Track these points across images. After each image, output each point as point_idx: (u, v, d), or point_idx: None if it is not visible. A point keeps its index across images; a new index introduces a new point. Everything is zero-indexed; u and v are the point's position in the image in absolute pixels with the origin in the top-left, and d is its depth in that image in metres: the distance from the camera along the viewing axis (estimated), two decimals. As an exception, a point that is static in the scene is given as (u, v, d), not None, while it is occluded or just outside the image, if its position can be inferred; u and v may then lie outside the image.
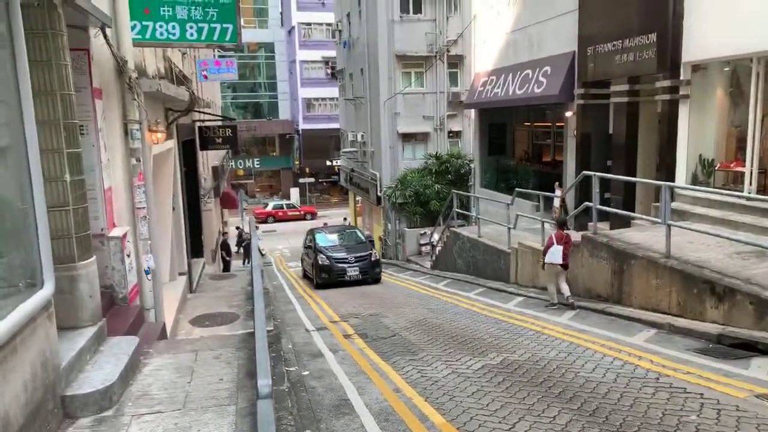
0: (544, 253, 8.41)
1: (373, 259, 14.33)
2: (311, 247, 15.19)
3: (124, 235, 5.78)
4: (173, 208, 9.84)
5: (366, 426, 4.45)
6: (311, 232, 16.53)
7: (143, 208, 6.56)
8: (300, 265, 17.60)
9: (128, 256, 5.83)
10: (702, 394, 4.53)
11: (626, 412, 4.31)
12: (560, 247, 8.13)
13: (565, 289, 8.17)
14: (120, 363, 4.20)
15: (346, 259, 14.11)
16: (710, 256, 6.96)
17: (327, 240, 15.64)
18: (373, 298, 11.17)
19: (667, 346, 5.87)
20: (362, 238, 16.16)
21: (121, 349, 4.44)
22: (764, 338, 5.44)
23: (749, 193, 8.39)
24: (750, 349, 5.46)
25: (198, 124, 14.03)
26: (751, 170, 8.56)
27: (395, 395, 5.08)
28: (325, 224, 30.08)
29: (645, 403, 4.44)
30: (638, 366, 5.31)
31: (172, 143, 9.49)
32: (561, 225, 8.57)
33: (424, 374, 5.62)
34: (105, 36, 5.63)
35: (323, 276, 13.94)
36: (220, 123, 15.70)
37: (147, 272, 6.41)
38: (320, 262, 14.07)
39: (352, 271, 13.84)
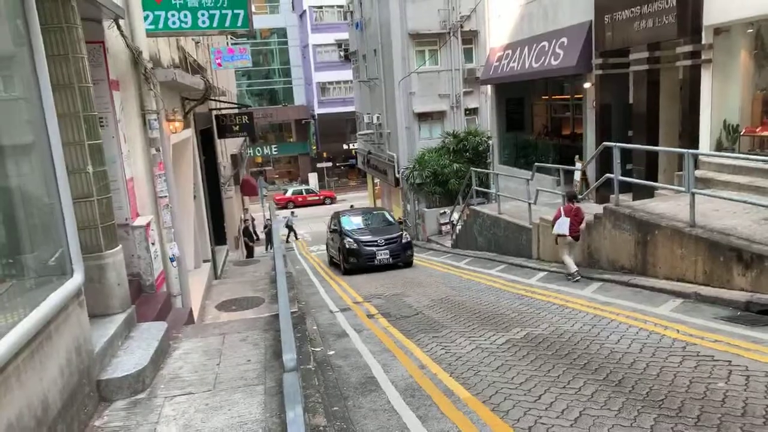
0: (552, 224, 8.64)
1: (403, 241, 13.36)
2: (337, 231, 14.27)
3: (148, 224, 5.89)
4: (194, 197, 9.98)
5: (392, 402, 4.51)
6: (336, 216, 15.59)
7: (165, 197, 6.66)
8: (326, 251, 16.68)
9: (153, 244, 5.95)
10: (730, 361, 4.48)
11: (652, 381, 4.29)
12: (567, 219, 8.36)
13: (570, 260, 8.49)
14: (150, 347, 4.32)
15: (375, 241, 13.17)
16: (737, 223, 6.82)
17: (353, 223, 14.74)
18: (396, 279, 11.23)
19: (693, 315, 5.81)
20: (391, 219, 15.20)
21: (151, 334, 4.55)
22: (794, 304, 5.35)
23: (776, 157, 8.17)
24: (779, 315, 5.37)
25: (214, 112, 14.14)
26: (779, 134, 8.33)
27: (420, 371, 5.13)
28: (352, 206, 30.34)
29: (671, 372, 4.42)
30: (664, 336, 5.27)
31: (189, 132, 9.59)
32: (570, 198, 8.77)
33: (448, 350, 5.66)
34: (119, 27, 5.69)
35: (351, 261, 13.06)
36: (236, 110, 15.81)
37: (172, 260, 6.53)
38: (347, 246, 13.16)
39: (382, 255, 12.90)
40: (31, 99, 3.57)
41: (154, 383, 4.13)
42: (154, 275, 5.88)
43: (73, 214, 3.79)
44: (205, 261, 10.17)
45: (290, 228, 27.39)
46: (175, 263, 6.56)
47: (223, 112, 14.71)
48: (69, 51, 4.18)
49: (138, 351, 4.26)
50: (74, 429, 3.37)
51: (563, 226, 8.37)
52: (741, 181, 8.23)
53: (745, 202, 7.01)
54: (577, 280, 8.27)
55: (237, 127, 14.77)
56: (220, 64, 16.00)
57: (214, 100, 13.34)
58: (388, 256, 12.92)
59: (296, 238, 27.37)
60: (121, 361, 4.13)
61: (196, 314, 7.04)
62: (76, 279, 3.68)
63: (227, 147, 17.82)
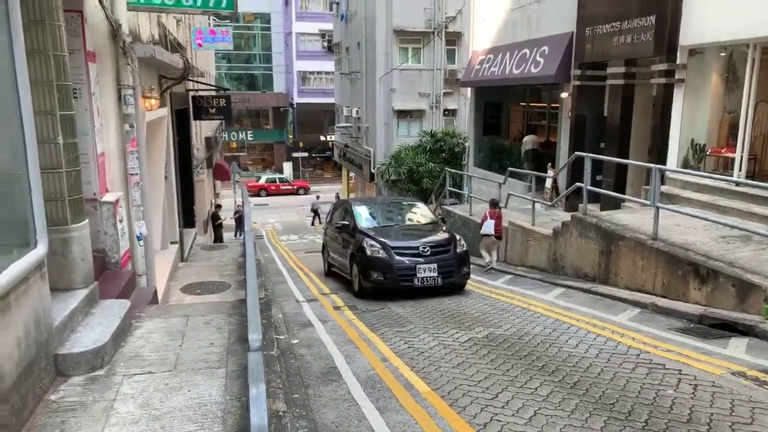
0: (480, 226, 10.07)
1: (458, 250, 8.46)
2: (346, 229, 9.35)
3: (117, 201, 5.80)
4: (165, 177, 9.82)
5: (353, 392, 4.55)
6: (343, 205, 10.65)
7: (136, 174, 6.56)
8: (321, 254, 11.40)
9: (120, 221, 5.85)
10: (680, 370, 4.66)
11: (606, 385, 4.44)
12: (492, 222, 9.80)
13: (494, 257, 10.10)
14: (112, 325, 4.26)
15: (415, 249, 8.25)
16: (696, 239, 7.08)
17: (373, 217, 9.58)
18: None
19: (649, 325, 6.01)
20: (431, 215, 10.06)
21: (113, 312, 4.49)
22: (744, 319, 5.58)
23: (738, 178, 8.49)
24: (729, 329, 5.60)
25: (192, 93, 13.92)
26: (742, 156, 8.65)
27: (382, 364, 5.19)
28: (338, 195, 30.12)
29: (624, 377, 4.57)
30: (620, 343, 5.45)
31: (165, 111, 9.43)
32: (493, 205, 10.15)
33: (411, 345, 5.73)
34: (99, -2, 5.57)
35: (375, 278, 8.06)
36: (214, 93, 15.59)
37: (139, 238, 6.44)
38: (369, 254, 8.20)
39: (427, 272, 8.03)
40: (4, 64, 3.48)
41: (113, 361, 4.08)
42: (120, 253, 5.79)
43: (41, 184, 3.72)
44: (172, 243, 10.03)
45: (315, 212, 27.50)
46: (142, 242, 6.47)
47: (201, 93, 14.50)
48: (46, 17, 4.08)
49: (98, 328, 4.20)
50: (28, 402, 3.32)
51: (489, 227, 9.82)
52: (703, 199, 8.53)
53: (705, 219, 7.27)
54: (487, 271, 9.81)
55: (213, 110, 14.57)
56: (200, 45, 15.75)
57: (192, 80, 13.15)
58: (435, 274, 8.04)
59: (320, 222, 27.70)
60: (80, 336, 4.07)
61: (160, 295, 6.96)
62: (39, 251, 3.61)
63: (202, 129, 17.57)
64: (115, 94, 6.28)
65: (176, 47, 11.14)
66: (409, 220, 9.92)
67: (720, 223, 7.07)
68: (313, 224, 27.28)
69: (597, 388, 4.38)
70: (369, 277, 8.15)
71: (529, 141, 14.95)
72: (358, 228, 8.98)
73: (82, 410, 3.40)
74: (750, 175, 8.64)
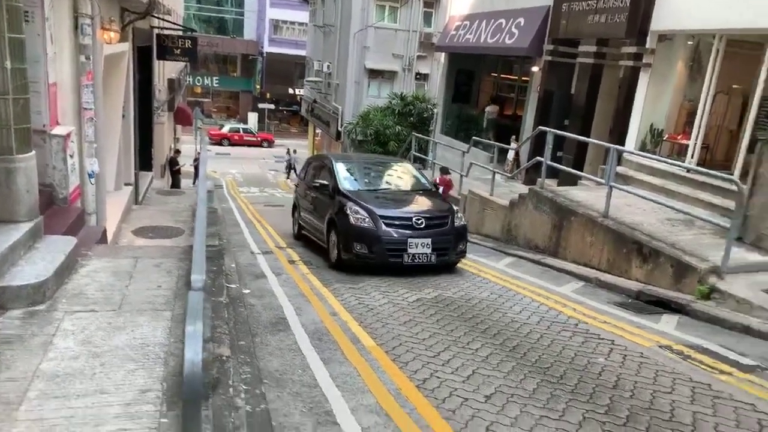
0: None
1: (457, 224, 7.45)
2: (324, 189, 8.16)
3: (68, 135, 5.58)
4: (123, 116, 9.49)
5: (299, 343, 4.63)
6: (321, 160, 9.31)
7: (90, 109, 6.32)
8: (291, 214, 10.18)
9: (71, 156, 5.65)
10: (613, 341, 4.91)
11: (543, 350, 4.65)
12: (441, 187, 9.80)
13: None
14: (56, 261, 4.16)
15: (408, 221, 7.17)
16: (644, 219, 7.36)
17: (359, 179, 8.28)
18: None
19: (591, 298, 6.28)
20: (425, 181, 8.72)
21: (58, 248, 4.38)
22: (678, 298, 5.90)
23: (690, 165, 8.80)
24: (663, 306, 5.91)
25: (156, 31, 13.33)
26: (696, 144, 8.95)
27: (331, 318, 5.27)
28: (294, 151, 29.87)
29: (561, 344, 4.79)
30: (561, 312, 5.68)
31: (126, 46, 9.03)
32: (444, 172, 10.72)
33: (361, 301, 5.83)
34: None
35: (358, 250, 7.03)
36: (180, 33, 14.95)
37: (90, 176, 6.25)
38: (353, 222, 7.10)
39: (420, 247, 7.01)
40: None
41: (55, 297, 4.00)
42: (69, 189, 5.61)
43: (-17, 108, 3.54)
44: (126, 184, 9.77)
45: (291, 167, 27.35)
46: (93, 180, 6.28)
47: (166, 32, 13.89)
48: (-4, -71, 3.80)
49: (41, 263, 4.10)
50: (-38, 331, 3.24)
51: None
52: (655, 182, 8.83)
53: (654, 201, 7.54)
54: None
55: (178, 51, 14.03)
56: (168, -20, 14.99)
57: (157, 17, 12.55)
58: (429, 250, 7.04)
59: (296, 175, 27.73)
60: (21, 270, 3.97)
61: (110, 236, 6.81)
62: (-20, 177, 3.47)
63: (165, 70, 16.91)
64: (71, 22, 5.96)
65: (141, -21, 10.58)
66: (400, 184, 8.59)
67: (667, 206, 7.36)
68: (288, 178, 27.35)
69: (534, 353, 4.58)
70: (350, 249, 7.05)
71: (491, 110, 15.12)
72: (340, 189, 7.77)
73: (19, 343, 3.35)
74: (701, 163, 8.97)
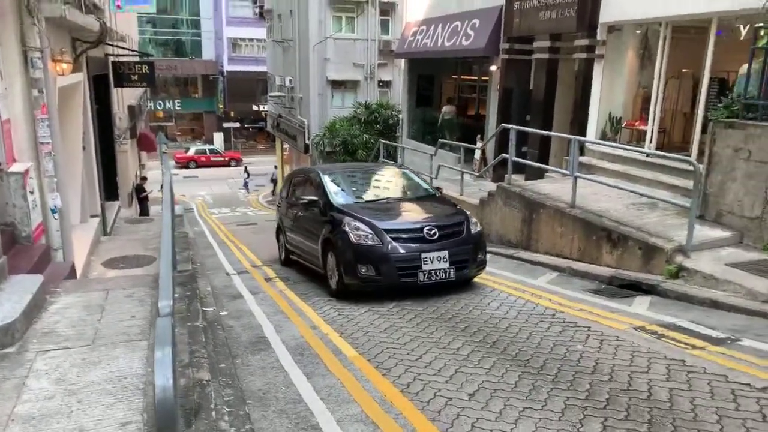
0: None
1: (473, 231, 6.53)
2: (314, 206, 7.19)
3: (26, 171, 5.47)
4: (84, 147, 9.33)
5: (281, 360, 4.60)
6: (305, 175, 8.34)
7: (48, 143, 6.20)
8: (276, 236, 9.18)
9: (31, 193, 5.53)
10: (589, 327, 5.02)
11: (522, 343, 4.72)
12: None
13: None
14: (22, 301, 4.07)
15: (419, 232, 6.21)
16: (610, 206, 7.54)
17: (352, 190, 7.50)
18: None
19: (565, 287, 6.40)
20: (427, 187, 7.88)
21: (24, 287, 4.29)
22: (647, 279, 6.06)
23: (649, 150, 9.05)
24: (635, 289, 6.06)
25: (111, 58, 13.15)
26: (653, 129, 9.21)
27: (312, 332, 5.25)
28: (246, 168, 30.92)
29: (539, 335, 4.87)
30: (538, 304, 5.77)
31: (80, 77, 8.89)
32: None
33: (341, 313, 5.82)
34: (-3, -50, 5.13)
35: (363, 273, 6.06)
36: (136, 59, 14.77)
37: (53, 211, 6.12)
38: (354, 241, 6.15)
39: (436, 262, 6.05)
40: None
41: (25, 337, 3.91)
42: (32, 226, 5.49)
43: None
44: (93, 216, 9.59)
45: (275, 182, 29.46)
46: (56, 215, 6.15)
47: (122, 59, 13.71)
48: (-67, -32, 3.73)
49: (7, 304, 4.00)
50: (-71, 382, 3.14)
51: None
52: (618, 169, 9.05)
53: (618, 188, 7.73)
54: None
55: (136, 77, 13.86)
56: (119, 6, 14.82)
57: (111, 45, 12.39)
58: (446, 265, 6.07)
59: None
60: (-13, 313, 3.87)
61: (80, 270, 6.67)
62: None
63: (124, 97, 16.68)
64: (20, 56, 5.85)
65: (91, 8, 10.44)
66: (399, 192, 7.67)
67: (631, 192, 7.55)
68: (273, 193, 28.80)
69: (514, 346, 4.65)
70: (354, 272, 6.06)
71: (447, 110, 15.33)
72: (333, 205, 6.81)
73: (-9, 388, 3.26)
74: (659, 147, 9.23)
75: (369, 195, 7.49)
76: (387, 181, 8.07)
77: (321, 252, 6.77)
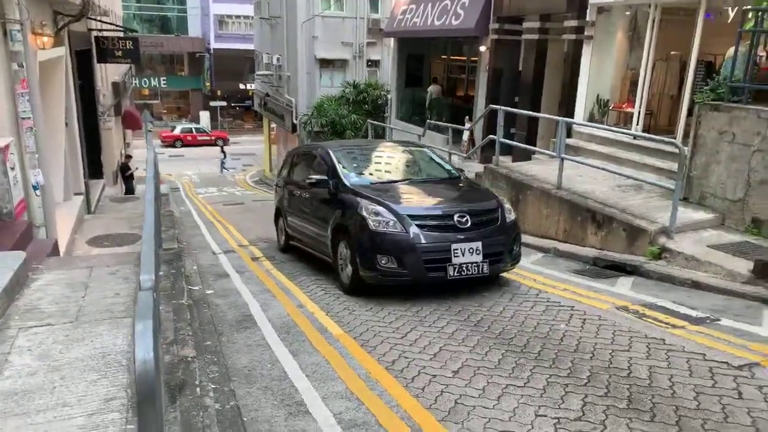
0: None
1: (508, 219, 5.80)
2: (322, 186, 6.44)
3: (6, 147, 5.37)
4: (66, 123, 9.16)
5: (267, 338, 4.62)
6: (309, 151, 7.54)
7: (29, 118, 6.07)
8: (275, 221, 8.36)
9: (12, 169, 5.44)
10: (573, 306, 5.08)
11: (506, 322, 4.77)
12: None
13: None
14: (4, 277, 4.02)
15: (448, 219, 5.48)
16: (595, 188, 7.59)
17: (367, 171, 6.71)
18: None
19: (550, 267, 6.46)
20: (449, 168, 6.98)
21: (5, 264, 4.23)
22: (631, 260, 6.13)
23: (636, 132, 9.09)
24: (619, 269, 6.14)
25: (95, 33, 12.87)
26: (640, 111, 9.25)
27: (298, 310, 5.27)
28: (222, 149, 30.68)
29: (523, 315, 4.93)
30: (522, 284, 5.83)
31: (62, 51, 8.69)
32: None
33: (328, 292, 5.84)
34: None
35: (383, 265, 5.33)
36: (120, 34, 14.48)
37: (35, 188, 6.03)
38: (373, 228, 5.39)
39: (468, 253, 5.32)
40: None
41: (7, 314, 3.87)
42: (13, 203, 5.41)
43: None
44: (76, 194, 9.46)
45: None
46: (38, 192, 6.06)
47: (105, 34, 13.43)
48: None
49: (-11, 280, 3.95)
50: None
51: None
52: (605, 151, 9.09)
53: (604, 170, 7.78)
54: None
55: (120, 53, 13.62)
56: (102, -21, 14.47)
57: (94, 19, 12.12)
58: (479, 258, 5.34)
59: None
60: (-32, 290, 3.82)
61: (63, 248, 6.60)
62: None
63: (108, 74, 16.38)
64: (-2, 28, 5.70)
65: (72, -20, 10.17)
66: (419, 172, 6.82)
67: (616, 174, 7.60)
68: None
69: (498, 325, 4.70)
70: (373, 264, 5.31)
71: (434, 90, 15.28)
72: (346, 186, 6.09)
73: (-27, 364, 3.24)
74: (646, 129, 9.28)
75: (385, 175, 6.63)
76: (404, 160, 7.15)
77: (331, 239, 6.04)
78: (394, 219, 5.37)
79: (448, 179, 6.63)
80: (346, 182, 6.18)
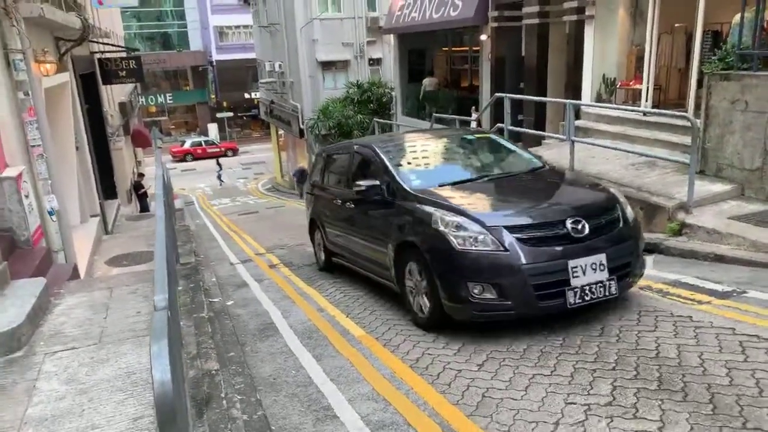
0: None
1: (629, 219, 4.47)
2: (374, 193, 5.07)
3: (19, 175, 5.44)
4: (77, 147, 9.27)
5: (290, 344, 4.62)
6: (347, 152, 6.17)
7: (39, 145, 6.15)
8: (310, 235, 7.29)
9: (26, 197, 5.51)
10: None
11: (528, 311, 4.70)
12: None
13: None
14: (26, 304, 4.08)
15: (559, 227, 4.08)
16: (609, 168, 7.48)
17: (432, 170, 5.28)
18: (299, 230, 11.21)
19: (568, 253, 6.36)
20: (530, 157, 5.57)
21: (27, 291, 4.29)
22: (650, 238, 6.02)
23: (646, 108, 8.95)
24: (639, 249, 6.03)
25: (97, 56, 13.01)
26: (648, 87, 9.09)
27: (318, 315, 5.27)
28: (218, 161, 31.30)
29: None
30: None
31: (66, 76, 8.79)
32: None
33: (347, 294, 5.83)
34: (-33, -49, 5.02)
35: (477, 294, 4.01)
36: (123, 54, 14.63)
37: (51, 213, 6.11)
38: (459, 247, 4.04)
39: (590, 271, 4.00)
40: None
41: (32, 341, 3.93)
42: (30, 230, 5.48)
43: None
44: (93, 216, 9.57)
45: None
46: (54, 217, 6.13)
47: (108, 55, 13.57)
48: None
49: (12, 309, 4.00)
50: (-60, 391, 3.16)
51: None
52: (615, 130, 8.96)
53: (616, 149, 7.66)
54: None
55: (124, 73, 13.74)
56: (101, 2, 14.62)
57: (96, 42, 12.26)
58: (605, 276, 4.07)
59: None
60: (-8, 319, 3.87)
61: (83, 270, 6.68)
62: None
63: (115, 95, 16.56)
64: (2, 59, 5.77)
65: (72, 5, 10.29)
66: (496, 166, 5.43)
67: (629, 152, 7.49)
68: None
69: (520, 315, 4.63)
70: (460, 295, 4.08)
71: (428, 83, 15.16)
72: (407, 191, 4.79)
73: (2, 393, 3.28)
74: (656, 105, 9.13)
75: (453, 174, 5.13)
76: (470, 152, 5.66)
77: (393, 260, 4.78)
78: (485, 232, 4.06)
79: (535, 171, 5.21)
80: (406, 186, 4.83)
